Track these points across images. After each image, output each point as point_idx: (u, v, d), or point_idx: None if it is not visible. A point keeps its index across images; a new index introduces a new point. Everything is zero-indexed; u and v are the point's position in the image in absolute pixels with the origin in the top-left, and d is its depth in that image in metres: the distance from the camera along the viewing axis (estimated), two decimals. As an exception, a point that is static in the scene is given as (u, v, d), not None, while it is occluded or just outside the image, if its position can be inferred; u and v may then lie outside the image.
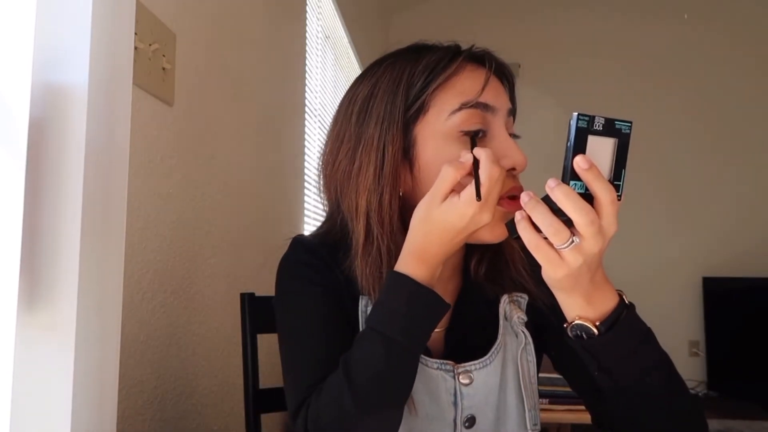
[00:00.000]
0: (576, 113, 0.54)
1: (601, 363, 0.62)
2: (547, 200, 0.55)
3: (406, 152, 0.70)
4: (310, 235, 0.80)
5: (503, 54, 0.74)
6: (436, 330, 0.68)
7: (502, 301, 0.77)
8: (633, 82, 4.16)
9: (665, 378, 0.65)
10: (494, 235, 0.67)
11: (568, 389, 0.81)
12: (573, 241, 0.55)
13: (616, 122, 0.55)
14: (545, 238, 0.56)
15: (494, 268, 0.77)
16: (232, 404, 1.27)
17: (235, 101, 1.37)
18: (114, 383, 0.67)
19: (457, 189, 0.63)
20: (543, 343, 0.80)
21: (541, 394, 0.95)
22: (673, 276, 4.10)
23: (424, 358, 0.70)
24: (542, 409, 1.05)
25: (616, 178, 0.56)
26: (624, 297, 0.63)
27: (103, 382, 0.64)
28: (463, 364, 0.72)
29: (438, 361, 0.71)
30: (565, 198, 0.53)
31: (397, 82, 0.70)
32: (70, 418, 0.58)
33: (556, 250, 0.56)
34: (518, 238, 0.58)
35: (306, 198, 2.05)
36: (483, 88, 0.68)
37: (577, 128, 0.54)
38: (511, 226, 0.59)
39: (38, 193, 0.59)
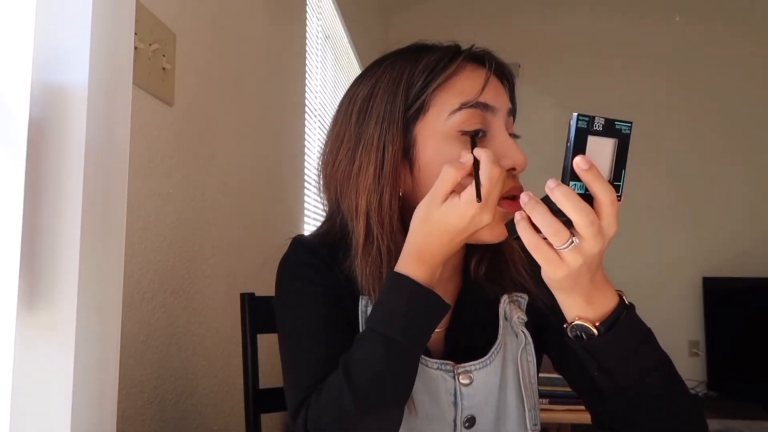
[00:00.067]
0: (576, 113, 0.54)
1: (601, 363, 0.62)
2: (547, 201, 0.55)
3: (406, 152, 0.70)
4: (310, 235, 0.80)
5: (503, 54, 0.74)
6: (436, 330, 0.68)
7: (502, 301, 0.77)
8: (633, 82, 4.16)
9: (665, 378, 0.65)
10: (494, 235, 0.67)
11: (568, 389, 0.81)
12: (573, 242, 0.55)
13: (616, 122, 0.55)
14: (545, 239, 0.56)
15: (494, 268, 0.77)
16: (232, 404, 1.27)
17: (235, 101, 1.37)
18: (114, 383, 0.67)
19: (457, 189, 0.63)
20: (543, 343, 0.80)
21: (541, 394, 0.95)
22: (673, 276, 4.11)
23: (424, 358, 0.70)
24: (542, 409, 1.05)
25: (616, 179, 0.55)
26: (624, 297, 0.63)
27: (103, 382, 0.64)
28: (463, 365, 0.72)
29: (438, 361, 0.71)
30: (565, 198, 0.53)
31: (397, 82, 0.70)
32: (70, 418, 0.58)
33: (555, 250, 0.56)
34: (518, 238, 0.58)
35: (306, 198, 2.05)
36: (483, 88, 0.68)
37: (577, 128, 0.54)
38: (510, 226, 0.59)
39: (38, 193, 0.59)
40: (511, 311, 0.76)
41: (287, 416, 0.71)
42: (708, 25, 4.17)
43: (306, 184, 2.05)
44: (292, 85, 1.93)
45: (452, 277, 0.78)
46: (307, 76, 2.10)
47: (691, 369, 3.97)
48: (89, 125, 0.61)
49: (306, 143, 2.06)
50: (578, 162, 0.53)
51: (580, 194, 0.54)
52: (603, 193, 0.54)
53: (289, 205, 1.88)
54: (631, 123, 0.55)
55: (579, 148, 0.54)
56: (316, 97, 2.30)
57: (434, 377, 0.70)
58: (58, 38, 0.61)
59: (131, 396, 0.91)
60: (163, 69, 1.00)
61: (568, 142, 0.54)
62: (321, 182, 0.78)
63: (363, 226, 0.70)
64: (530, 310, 0.78)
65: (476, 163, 0.63)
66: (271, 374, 1.08)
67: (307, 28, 2.11)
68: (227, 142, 1.31)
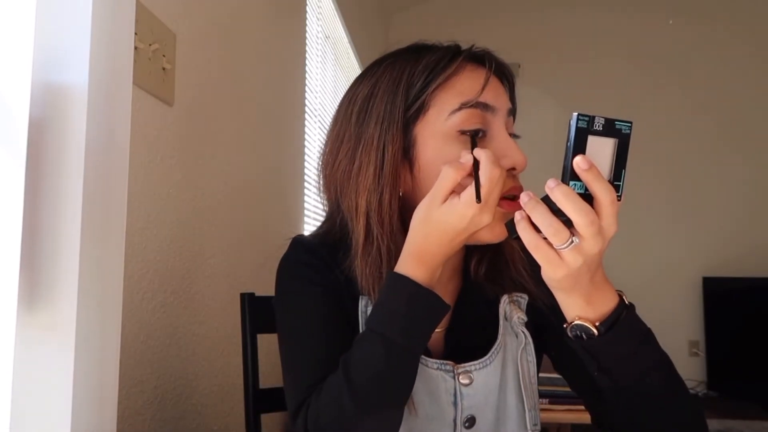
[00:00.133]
0: (576, 113, 0.54)
1: (600, 363, 0.62)
2: (547, 200, 0.55)
3: (406, 152, 0.70)
4: (310, 235, 0.80)
5: (503, 54, 0.74)
6: (436, 330, 0.68)
7: (502, 301, 0.77)
8: (633, 82, 4.17)
9: (665, 378, 0.65)
10: (494, 235, 0.67)
11: (568, 389, 0.81)
12: (573, 242, 0.54)
13: (616, 122, 0.55)
14: (545, 239, 0.56)
15: (494, 268, 0.77)
16: (232, 404, 1.27)
17: (235, 101, 1.37)
18: (114, 383, 0.67)
19: (457, 190, 0.63)
20: (543, 343, 0.80)
21: (541, 394, 0.94)
22: (673, 276, 4.11)
23: (424, 358, 0.70)
24: (542, 409, 1.05)
25: (616, 179, 0.55)
26: (624, 297, 0.63)
27: (103, 382, 0.64)
28: (463, 365, 0.72)
29: (438, 361, 0.71)
30: (565, 198, 0.53)
31: (397, 82, 0.70)
32: (70, 418, 0.58)
33: (555, 250, 0.56)
34: (518, 238, 0.58)
35: (306, 198, 2.05)
36: (483, 88, 0.68)
37: (577, 128, 0.54)
38: (510, 226, 0.59)
39: (38, 193, 0.59)
40: (511, 311, 0.76)
41: (287, 416, 0.71)
42: (709, 24, 4.17)
43: (306, 184, 2.05)
44: (292, 85, 1.93)
45: (452, 278, 0.78)
46: (307, 76, 2.10)
47: (691, 369, 3.97)
48: (89, 125, 0.61)
49: (306, 143, 2.06)
50: (578, 162, 0.53)
51: (580, 194, 0.54)
52: (603, 192, 0.54)
53: (289, 205, 1.88)
54: (631, 123, 0.55)
55: (579, 147, 0.54)
56: (316, 97, 2.30)
57: (434, 377, 0.70)
58: (58, 38, 0.61)
59: (131, 396, 0.91)
60: (163, 69, 1.00)
61: (568, 141, 0.54)
62: (321, 182, 0.78)
63: (363, 226, 0.70)
64: (530, 310, 0.77)
65: (476, 163, 0.63)
66: (271, 374, 1.08)
67: (307, 28, 2.11)
68: (227, 142, 1.31)
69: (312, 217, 2.14)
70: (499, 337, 0.75)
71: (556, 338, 0.72)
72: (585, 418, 0.80)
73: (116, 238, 0.67)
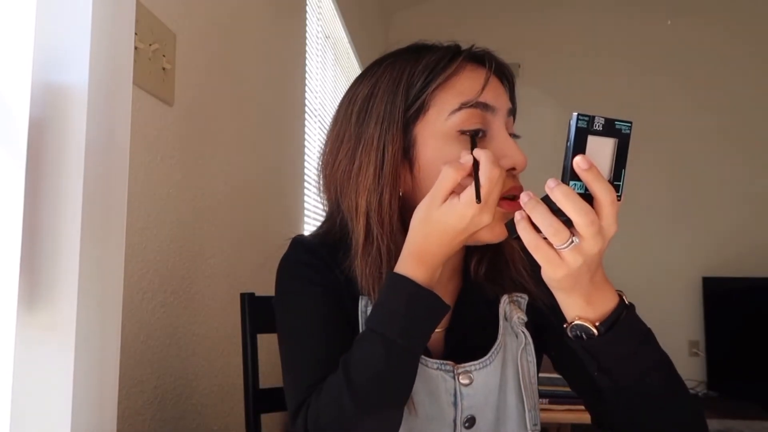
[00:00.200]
0: (576, 113, 0.54)
1: (600, 363, 0.62)
2: (547, 200, 0.55)
3: (406, 152, 0.70)
4: (310, 235, 0.80)
5: (503, 54, 0.74)
6: (436, 330, 0.68)
7: (502, 301, 0.77)
8: (633, 82, 4.16)
9: (665, 378, 0.65)
10: (494, 235, 0.67)
11: (568, 389, 0.81)
12: (573, 242, 0.54)
13: (616, 122, 0.55)
14: (545, 239, 0.56)
15: (494, 268, 0.77)
16: (232, 404, 1.27)
17: (235, 101, 1.37)
18: (114, 383, 0.67)
19: (457, 190, 0.63)
20: (543, 343, 0.80)
21: (541, 394, 0.94)
22: (673, 276, 4.10)
23: (423, 358, 0.70)
24: (542, 409, 1.05)
25: (616, 179, 0.55)
26: (624, 297, 0.63)
27: (103, 382, 0.64)
28: (463, 365, 0.72)
29: (438, 361, 0.71)
30: (565, 198, 0.53)
31: (397, 82, 0.70)
32: (70, 418, 0.58)
33: (555, 250, 0.56)
34: (518, 238, 0.58)
35: (306, 198, 2.05)
36: (483, 88, 0.68)
37: (577, 128, 0.54)
38: (510, 226, 0.59)
39: (38, 193, 0.59)
40: (511, 311, 0.76)
41: (287, 416, 0.71)
42: (709, 24, 4.16)
43: (306, 184, 2.05)
44: (292, 85, 1.93)
45: (452, 278, 0.78)
46: (307, 76, 2.10)
47: (691, 369, 3.97)
48: (89, 125, 0.61)
49: (306, 143, 2.06)
50: (578, 162, 0.53)
51: (580, 194, 0.54)
52: (603, 192, 0.54)
53: (289, 205, 1.88)
54: (631, 123, 0.55)
55: (579, 147, 0.54)
56: (316, 97, 2.30)
57: (434, 377, 0.70)
58: (58, 38, 0.61)
59: (131, 396, 0.91)
60: (163, 69, 1.00)
61: (568, 141, 0.54)
62: (321, 182, 0.78)
63: (363, 226, 0.70)
64: (530, 310, 0.77)
65: (476, 163, 0.63)
66: (271, 374, 1.08)
67: (307, 28, 2.11)
68: (227, 142, 1.31)
69: (312, 217, 2.14)
70: (499, 337, 0.75)
71: (556, 338, 0.72)
72: (585, 418, 0.80)
73: (116, 238, 0.67)
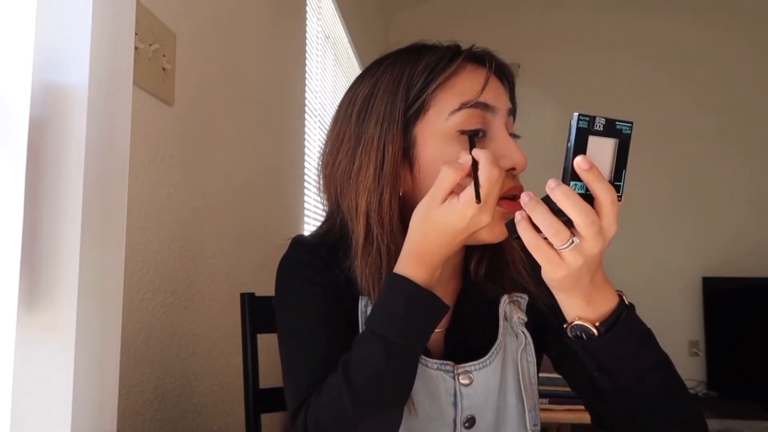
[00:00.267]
0: (576, 113, 0.54)
1: (600, 363, 0.62)
2: (547, 200, 0.55)
3: (406, 152, 0.70)
4: (310, 235, 0.80)
5: (503, 54, 0.74)
6: (436, 330, 0.68)
7: (502, 301, 0.77)
8: (634, 82, 4.16)
9: (665, 378, 0.65)
10: (494, 234, 0.67)
11: (568, 389, 0.81)
12: (573, 242, 0.54)
13: (617, 122, 0.55)
14: (545, 239, 0.56)
15: (494, 268, 0.77)
16: (232, 404, 1.27)
17: (235, 101, 1.37)
18: (114, 383, 0.67)
19: (456, 190, 0.63)
20: (543, 343, 0.80)
21: (541, 394, 0.94)
22: (673, 276, 4.10)
23: (423, 358, 0.70)
24: (542, 409, 1.05)
25: (616, 179, 0.55)
26: (624, 298, 0.63)
27: (103, 382, 0.64)
28: (462, 365, 0.72)
29: (438, 361, 0.71)
30: (565, 198, 0.53)
31: (397, 82, 0.70)
32: (70, 418, 0.58)
33: (556, 250, 0.56)
34: (518, 238, 0.58)
35: (306, 198, 2.05)
36: (483, 88, 0.68)
37: (578, 129, 0.54)
38: (511, 226, 0.59)
39: (38, 193, 0.59)
40: (511, 311, 0.76)
41: (287, 416, 0.71)
42: (710, 23, 4.16)
43: (306, 184, 2.05)
44: (292, 85, 1.93)
45: (452, 278, 0.78)
46: (307, 76, 2.10)
47: (691, 369, 3.97)
48: (89, 125, 0.61)
49: (306, 143, 2.06)
50: (579, 162, 0.53)
51: (580, 194, 0.54)
52: (603, 193, 0.54)
53: (289, 205, 1.88)
54: (631, 123, 0.55)
55: (579, 148, 0.54)
56: (316, 97, 2.30)
57: (434, 377, 0.70)
58: (58, 38, 0.61)
59: (131, 396, 0.91)
60: (163, 69, 1.00)
61: (568, 142, 0.54)
62: (321, 182, 0.78)
63: (363, 226, 0.70)
64: (530, 311, 0.77)
65: (475, 163, 0.63)
66: (271, 374, 1.08)
67: (307, 28, 2.11)
68: (227, 142, 1.31)
69: (312, 217, 2.14)
70: (499, 337, 0.75)
71: (556, 338, 0.72)
72: (585, 418, 0.80)
73: (116, 238, 0.67)
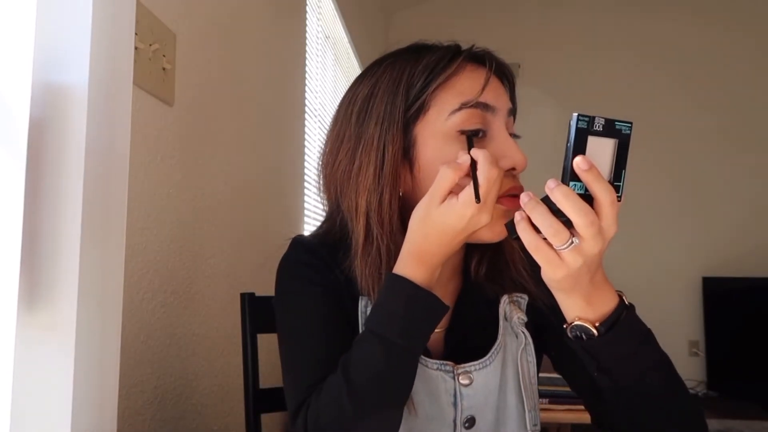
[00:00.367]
0: (576, 114, 0.54)
1: (600, 363, 0.62)
2: (547, 201, 0.55)
3: (406, 152, 0.70)
4: (310, 235, 0.80)
5: (503, 54, 0.74)
6: (436, 330, 0.68)
7: (502, 301, 0.77)
8: (634, 82, 4.16)
9: (665, 378, 0.65)
10: (494, 234, 0.67)
11: (568, 389, 0.81)
12: (572, 242, 0.54)
13: (617, 123, 0.55)
14: (545, 239, 0.56)
15: (494, 268, 0.77)
16: (232, 404, 1.27)
17: (235, 101, 1.37)
18: (114, 383, 0.67)
19: (455, 190, 0.63)
20: (543, 343, 0.80)
21: (541, 394, 0.94)
22: (673, 276, 4.10)
23: (423, 358, 0.70)
24: (542, 409, 1.05)
25: (616, 179, 0.55)
26: (624, 298, 0.63)
27: (103, 382, 0.64)
28: (462, 365, 0.72)
29: (438, 361, 0.71)
30: (565, 199, 0.53)
31: (397, 82, 0.70)
32: (70, 418, 0.58)
33: (555, 250, 0.56)
34: (518, 238, 0.58)
35: (306, 198, 2.05)
36: (483, 88, 0.68)
37: (577, 129, 0.54)
38: (510, 226, 0.59)
39: (38, 193, 0.59)
40: (511, 311, 0.76)
41: (287, 416, 0.71)
42: (711, 23, 4.16)
43: (306, 184, 2.05)
44: (292, 85, 1.93)
45: (452, 278, 0.78)
46: (307, 76, 2.10)
47: (691, 369, 3.97)
48: (89, 125, 0.61)
49: (306, 143, 2.06)
50: (578, 162, 0.53)
51: (580, 194, 0.54)
52: (603, 193, 0.54)
53: (289, 205, 1.88)
54: (631, 123, 0.55)
55: (579, 148, 0.54)
56: (316, 97, 2.30)
57: (434, 378, 0.70)
58: (58, 38, 0.61)
59: (131, 396, 0.91)
60: (163, 69, 1.00)
61: (568, 142, 0.54)
62: (321, 182, 0.78)
63: (363, 226, 0.70)
64: (530, 311, 0.77)
65: (473, 163, 0.63)
66: (271, 374, 1.08)
67: (307, 28, 2.11)
68: (227, 142, 1.31)
69: (312, 217, 2.14)
70: (499, 337, 0.75)
71: (556, 338, 0.72)
72: (585, 418, 0.80)
73: (116, 238, 0.67)
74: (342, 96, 0.77)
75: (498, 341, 0.74)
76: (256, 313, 1.02)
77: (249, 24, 1.49)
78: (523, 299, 0.78)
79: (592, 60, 4.25)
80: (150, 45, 0.95)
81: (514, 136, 0.72)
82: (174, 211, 1.05)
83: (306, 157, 2.05)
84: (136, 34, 0.87)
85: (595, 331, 0.60)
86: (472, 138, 0.67)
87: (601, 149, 0.55)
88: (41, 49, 0.59)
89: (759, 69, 4.14)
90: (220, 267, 1.25)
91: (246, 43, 1.46)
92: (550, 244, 0.56)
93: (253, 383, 1.00)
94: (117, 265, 0.67)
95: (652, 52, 4.19)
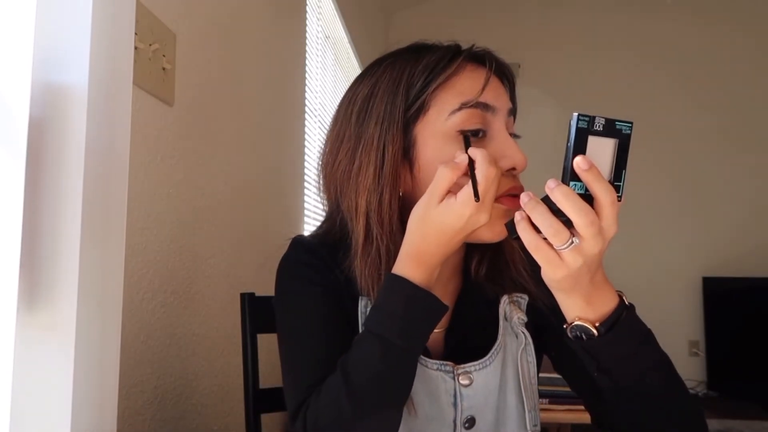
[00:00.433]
0: (576, 113, 0.53)
1: (600, 364, 0.62)
2: (547, 201, 0.55)
3: (406, 152, 0.70)
4: (310, 235, 0.80)
5: (503, 54, 0.74)
6: (436, 330, 0.68)
7: (503, 301, 0.77)
8: (634, 82, 4.16)
9: (665, 378, 0.65)
10: (494, 233, 0.67)
11: (568, 389, 0.81)
12: (573, 242, 0.54)
13: (617, 123, 0.55)
14: (545, 239, 0.56)
15: (494, 268, 0.77)
16: (232, 404, 1.27)
17: (235, 101, 1.37)
18: (114, 383, 0.67)
19: (453, 190, 0.63)
20: (543, 343, 0.80)
21: (541, 394, 0.94)
22: (673, 276, 4.10)
23: (423, 359, 0.70)
24: (542, 409, 1.05)
25: (616, 179, 0.55)
26: (624, 298, 0.63)
27: (103, 382, 0.64)
28: (462, 365, 0.72)
29: (438, 362, 0.71)
30: (565, 199, 0.53)
31: (397, 82, 0.70)
32: (70, 418, 0.58)
33: (555, 250, 0.56)
34: (518, 238, 0.58)
35: (306, 198, 2.05)
36: (483, 88, 0.68)
37: (577, 129, 0.54)
38: (510, 226, 0.59)
39: (38, 193, 0.59)
40: (512, 312, 0.76)
41: (287, 416, 0.71)
42: (710, 23, 4.16)
43: (306, 184, 2.05)
44: (292, 85, 1.93)
45: (452, 278, 0.78)
46: (307, 76, 2.10)
47: (691, 369, 3.97)
48: (89, 125, 0.61)
49: (306, 143, 2.06)
50: (578, 162, 0.53)
51: (580, 194, 0.54)
52: (603, 193, 0.54)
53: (289, 205, 1.88)
54: (631, 123, 0.55)
55: (579, 148, 0.54)
56: (316, 97, 2.30)
57: (434, 378, 0.70)
58: (58, 38, 0.61)
59: (131, 396, 0.91)
60: (163, 69, 1.00)
61: (568, 142, 0.54)
62: (321, 182, 0.78)
63: (363, 226, 0.70)
64: (530, 311, 0.77)
65: (471, 162, 0.63)
66: (271, 374, 1.08)
67: (307, 28, 2.11)
68: (227, 142, 1.31)
69: (312, 217, 2.14)
70: (499, 337, 0.75)
71: (556, 339, 0.72)
72: (585, 418, 0.80)
73: (116, 238, 0.67)
74: (342, 96, 0.77)
75: (498, 341, 0.74)
76: (256, 313, 1.02)
77: (249, 24, 1.49)
78: (523, 299, 0.78)
79: (592, 60, 4.25)
80: (150, 45, 0.95)
81: (514, 136, 0.72)
82: (174, 211, 1.05)
83: (306, 157, 2.05)
84: (136, 34, 0.87)
85: (595, 332, 0.60)
86: (468, 138, 0.67)
87: (601, 149, 0.55)
88: (41, 49, 0.59)
89: (759, 69, 4.13)
90: (220, 267, 1.25)
91: (246, 43, 1.46)
92: (550, 244, 0.56)
93: (253, 383, 1.00)
94: (117, 265, 0.67)
95: (652, 52, 4.19)
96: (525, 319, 0.76)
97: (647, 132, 3.35)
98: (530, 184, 0.66)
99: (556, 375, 0.87)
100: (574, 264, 0.55)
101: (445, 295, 0.73)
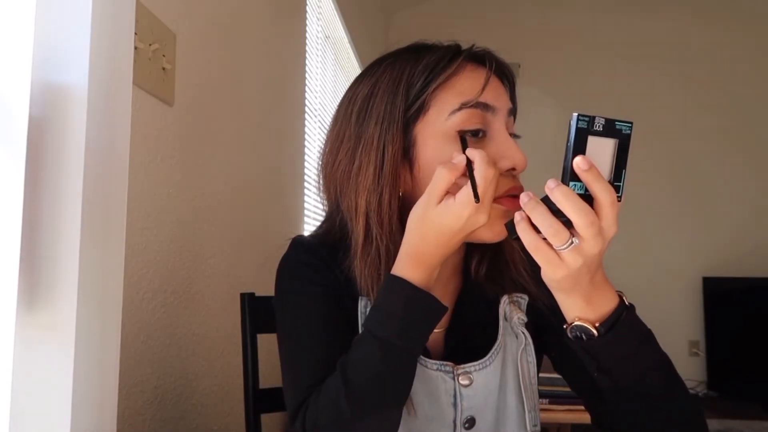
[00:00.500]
0: (576, 114, 0.53)
1: (600, 364, 0.62)
2: (547, 201, 0.55)
3: (406, 152, 0.70)
4: (310, 236, 0.80)
5: (503, 54, 0.74)
6: (435, 331, 0.68)
7: (502, 301, 0.77)
8: (634, 82, 4.16)
9: (665, 378, 0.65)
10: (494, 233, 0.67)
11: (568, 389, 0.81)
12: (572, 242, 0.54)
13: (617, 123, 0.55)
14: (545, 239, 0.56)
15: (494, 268, 0.77)
16: (232, 404, 1.27)
17: (235, 101, 1.37)
18: (114, 383, 0.67)
19: (452, 190, 0.63)
20: (543, 343, 0.80)
21: (541, 394, 0.94)
22: (673, 276, 4.10)
23: (423, 359, 0.70)
24: (542, 409, 1.05)
25: (616, 179, 0.55)
26: (624, 298, 0.63)
27: (103, 382, 0.64)
28: (462, 365, 0.72)
29: (437, 362, 0.71)
30: (565, 199, 0.53)
31: (397, 82, 0.70)
32: (70, 418, 0.58)
33: (555, 251, 0.56)
34: (518, 238, 0.58)
35: (306, 198, 2.05)
36: (483, 88, 0.68)
37: (577, 129, 0.53)
38: (510, 226, 0.59)
39: (38, 193, 0.59)
40: (511, 312, 0.76)
41: (287, 416, 0.71)
42: (710, 23, 4.16)
43: (306, 184, 2.05)
44: (292, 85, 1.93)
45: (452, 278, 0.78)
46: (307, 76, 2.10)
47: (691, 369, 3.97)
48: (89, 125, 0.61)
49: (306, 143, 2.06)
50: (578, 162, 0.53)
51: (580, 194, 0.54)
52: (603, 193, 0.54)
53: (289, 205, 1.88)
54: (631, 123, 0.55)
55: (579, 148, 0.54)
56: (316, 97, 2.30)
57: (434, 378, 0.70)
58: (58, 38, 0.61)
59: (131, 396, 0.91)
60: (163, 69, 1.00)
61: (568, 142, 0.54)
62: (321, 182, 0.78)
63: (362, 226, 0.69)
64: (530, 311, 0.77)
65: (470, 163, 0.63)
66: (271, 374, 1.08)
67: (307, 28, 2.11)
68: (227, 142, 1.31)
69: (312, 217, 2.14)
70: (499, 337, 0.75)
71: (556, 339, 0.72)
72: (585, 418, 0.80)
73: (116, 238, 0.67)
74: (342, 96, 0.77)
75: (498, 341, 0.74)
76: (256, 313, 1.02)
77: (249, 24, 1.49)
78: (523, 299, 0.78)
79: (592, 60, 4.24)
80: (150, 45, 0.95)
81: (514, 136, 0.72)
82: (174, 211, 1.05)
83: (306, 157, 2.05)
84: (135, 34, 0.87)
85: (595, 332, 0.60)
86: (466, 138, 0.67)
87: (601, 149, 0.55)
88: (41, 49, 0.59)
89: (759, 69, 4.13)
90: (220, 267, 1.25)
91: (246, 43, 1.46)
92: (550, 245, 0.56)
93: (253, 383, 1.00)
94: (117, 265, 0.67)
95: (652, 52, 4.19)
96: (525, 319, 0.76)
97: (647, 132, 3.35)
98: (530, 184, 0.66)
99: (556, 375, 0.87)
100: (574, 264, 0.55)
101: (445, 295, 0.73)
